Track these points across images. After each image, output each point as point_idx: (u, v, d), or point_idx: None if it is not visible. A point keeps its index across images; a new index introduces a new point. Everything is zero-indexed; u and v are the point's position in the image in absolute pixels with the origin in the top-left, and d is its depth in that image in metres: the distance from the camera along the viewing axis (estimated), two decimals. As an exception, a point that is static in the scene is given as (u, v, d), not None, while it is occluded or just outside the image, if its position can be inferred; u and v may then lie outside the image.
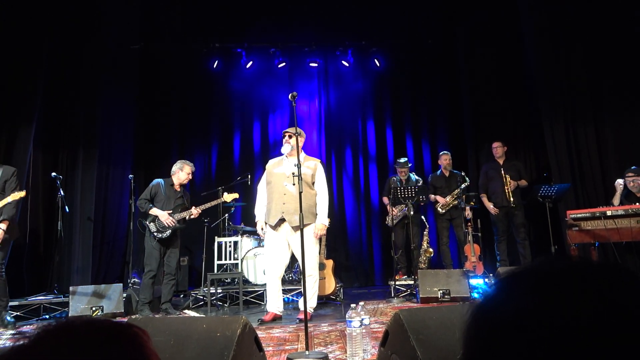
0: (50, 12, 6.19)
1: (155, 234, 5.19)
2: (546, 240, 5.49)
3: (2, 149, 5.64)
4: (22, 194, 4.68)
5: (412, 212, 6.21)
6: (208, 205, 5.43)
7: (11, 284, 5.65)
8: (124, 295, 5.33)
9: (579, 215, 4.77)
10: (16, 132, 5.82)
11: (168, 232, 5.23)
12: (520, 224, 6.24)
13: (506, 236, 6.36)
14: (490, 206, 6.33)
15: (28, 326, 4.86)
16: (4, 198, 4.50)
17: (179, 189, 5.47)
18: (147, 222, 5.22)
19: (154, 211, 5.24)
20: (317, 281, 4.49)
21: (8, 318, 4.23)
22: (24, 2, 5.96)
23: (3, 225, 4.47)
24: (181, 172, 5.43)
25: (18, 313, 5.29)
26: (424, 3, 7.80)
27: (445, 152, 6.74)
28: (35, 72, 6.01)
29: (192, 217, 5.36)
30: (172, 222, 5.20)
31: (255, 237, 6.53)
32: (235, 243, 6.45)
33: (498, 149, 6.52)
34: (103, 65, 6.87)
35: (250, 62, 7.96)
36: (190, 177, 5.54)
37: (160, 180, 5.50)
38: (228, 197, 5.50)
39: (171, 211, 5.29)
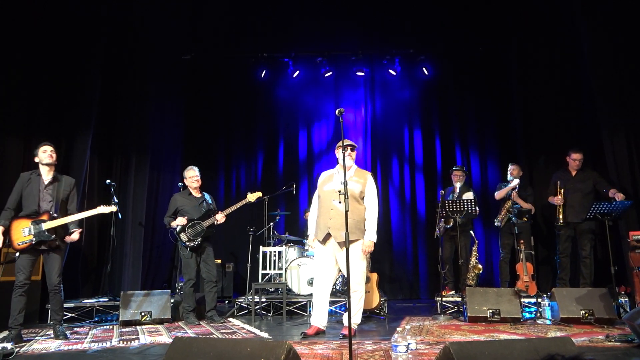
0: (104, 23, 6.49)
1: (188, 243, 5.27)
2: (606, 260, 5.18)
3: (62, 156, 5.89)
4: (113, 208, 4.78)
5: (449, 225, 6.12)
6: (233, 208, 5.45)
7: (67, 287, 5.90)
8: (171, 301, 5.46)
9: (643, 237, 4.46)
10: (74, 139, 6.11)
11: (199, 240, 5.30)
12: (587, 238, 5.83)
13: (567, 253, 6.00)
14: (555, 199, 5.95)
15: (81, 328, 5.06)
16: (67, 208, 4.54)
17: (198, 195, 5.54)
18: (178, 233, 5.31)
19: (173, 224, 5.35)
20: (362, 297, 4.41)
21: (61, 330, 4.35)
22: (81, 14, 6.27)
23: (76, 235, 4.54)
24: (186, 180, 5.53)
25: (73, 315, 5.54)
26: (475, 10, 7.59)
27: (514, 164, 6.32)
28: (92, 81, 6.30)
29: (218, 223, 5.41)
30: (184, 221, 5.28)
31: (299, 246, 6.55)
32: (280, 252, 6.48)
33: (577, 162, 5.96)
34: (154, 75, 7.13)
35: (297, 72, 8.02)
36: (197, 177, 5.51)
37: (176, 195, 5.59)
38: (252, 196, 5.52)
39: (199, 218, 5.36)
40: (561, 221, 5.87)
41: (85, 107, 6.21)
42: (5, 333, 4.60)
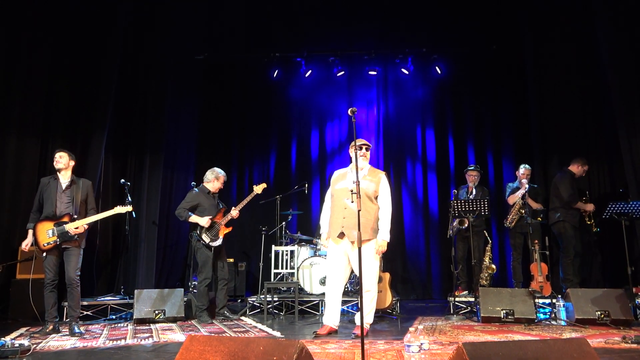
0: (120, 24, 6.56)
1: (210, 243, 5.31)
2: (622, 261, 5.10)
3: (77, 155, 5.96)
4: (129, 208, 4.98)
5: (464, 226, 6.06)
6: (244, 202, 5.49)
7: (81, 285, 5.97)
8: (185, 300, 5.50)
9: (660, 238, 4.39)
10: (90, 139, 6.19)
11: (220, 239, 5.35)
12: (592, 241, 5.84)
13: (573, 255, 5.96)
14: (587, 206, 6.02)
15: (96, 325, 5.12)
16: (86, 209, 4.71)
17: (214, 195, 5.61)
18: (199, 234, 5.34)
19: (194, 219, 5.35)
20: (374, 297, 4.40)
21: (76, 329, 4.46)
22: (97, 14, 6.35)
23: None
24: (217, 182, 5.57)
25: (88, 312, 5.60)
26: (489, 7, 7.51)
27: (525, 165, 6.26)
28: (108, 82, 6.37)
29: (232, 218, 5.46)
30: (209, 222, 5.31)
31: (312, 246, 6.55)
32: (292, 252, 6.50)
33: (585, 172, 6.14)
34: (169, 75, 7.18)
35: (310, 71, 8.01)
36: (222, 187, 5.68)
37: (197, 191, 5.58)
38: (258, 188, 5.58)
39: (213, 216, 5.39)
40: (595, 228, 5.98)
41: (100, 108, 6.29)
42: (21, 330, 4.71)
